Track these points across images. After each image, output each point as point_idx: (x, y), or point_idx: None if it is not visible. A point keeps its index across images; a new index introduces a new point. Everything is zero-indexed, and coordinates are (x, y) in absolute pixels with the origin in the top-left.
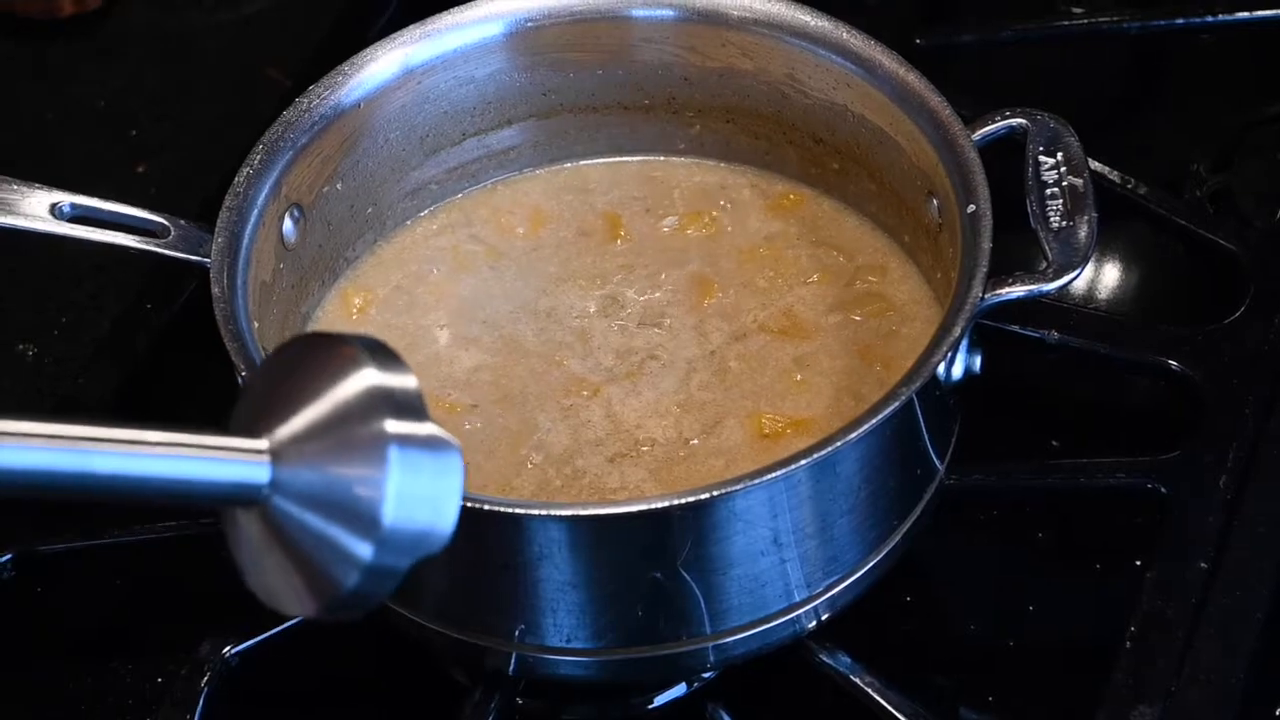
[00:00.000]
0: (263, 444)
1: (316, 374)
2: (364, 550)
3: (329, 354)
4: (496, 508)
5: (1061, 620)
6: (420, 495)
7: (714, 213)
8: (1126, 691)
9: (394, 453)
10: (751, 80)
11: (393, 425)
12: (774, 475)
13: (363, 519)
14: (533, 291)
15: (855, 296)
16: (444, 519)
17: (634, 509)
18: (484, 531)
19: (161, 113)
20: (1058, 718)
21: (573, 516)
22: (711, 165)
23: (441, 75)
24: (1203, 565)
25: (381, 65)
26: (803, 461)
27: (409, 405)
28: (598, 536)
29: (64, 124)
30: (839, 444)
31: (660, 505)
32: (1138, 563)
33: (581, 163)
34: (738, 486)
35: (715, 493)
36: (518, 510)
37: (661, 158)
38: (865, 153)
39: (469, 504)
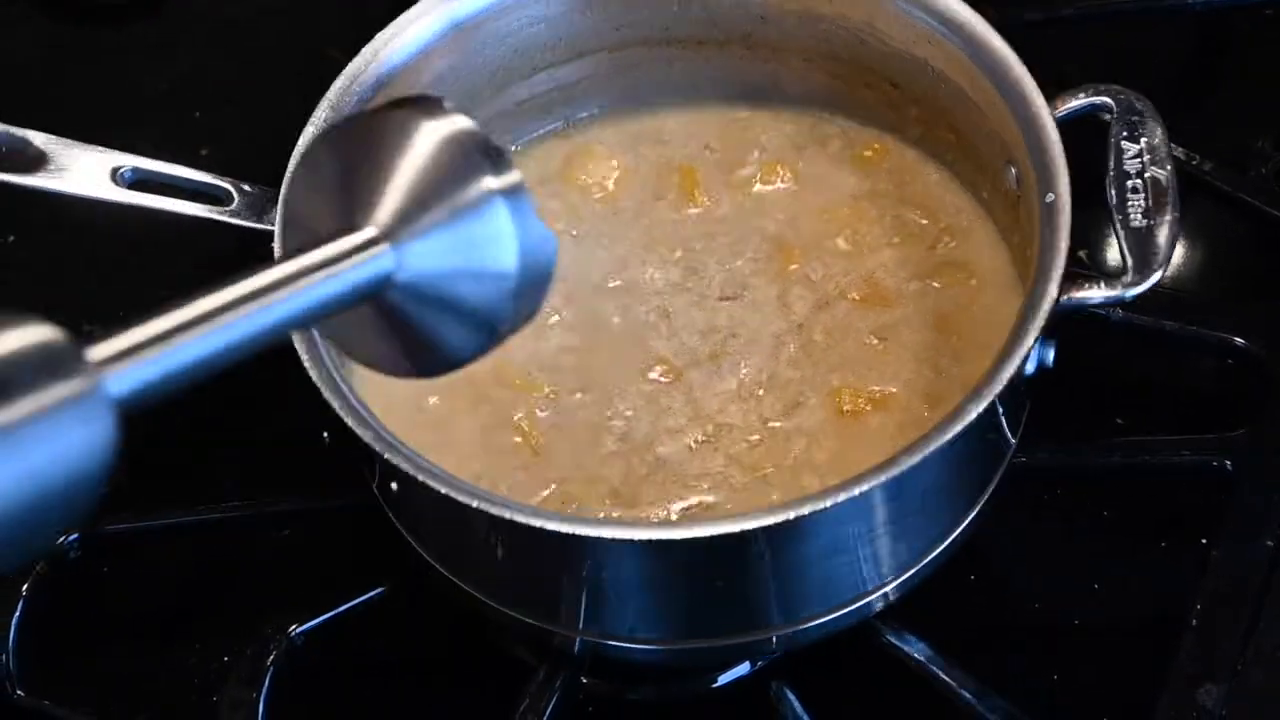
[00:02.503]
0: (371, 232)
1: (380, 147)
2: (501, 306)
3: (383, 125)
4: (559, 527)
5: (1126, 598)
6: (532, 238)
7: (794, 168)
8: (1192, 670)
9: (501, 204)
10: (829, 25)
11: (492, 180)
12: (843, 498)
13: (491, 275)
14: (612, 262)
15: (935, 264)
16: (549, 256)
17: (696, 534)
18: (549, 548)
19: (224, 95)
20: (1121, 696)
21: (636, 541)
22: (790, 115)
23: (513, 14)
24: (1269, 543)
25: (438, 16)
26: (876, 481)
27: (491, 150)
28: (662, 557)
29: (127, 108)
30: (909, 464)
31: (724, 530)
32: (1203, 541)
33: (656, 110)
34: (806, 510)
35: (791, 515)
36: (580, 531)
37: (738, 108)
38: (944, 106)
39: (535, 523)
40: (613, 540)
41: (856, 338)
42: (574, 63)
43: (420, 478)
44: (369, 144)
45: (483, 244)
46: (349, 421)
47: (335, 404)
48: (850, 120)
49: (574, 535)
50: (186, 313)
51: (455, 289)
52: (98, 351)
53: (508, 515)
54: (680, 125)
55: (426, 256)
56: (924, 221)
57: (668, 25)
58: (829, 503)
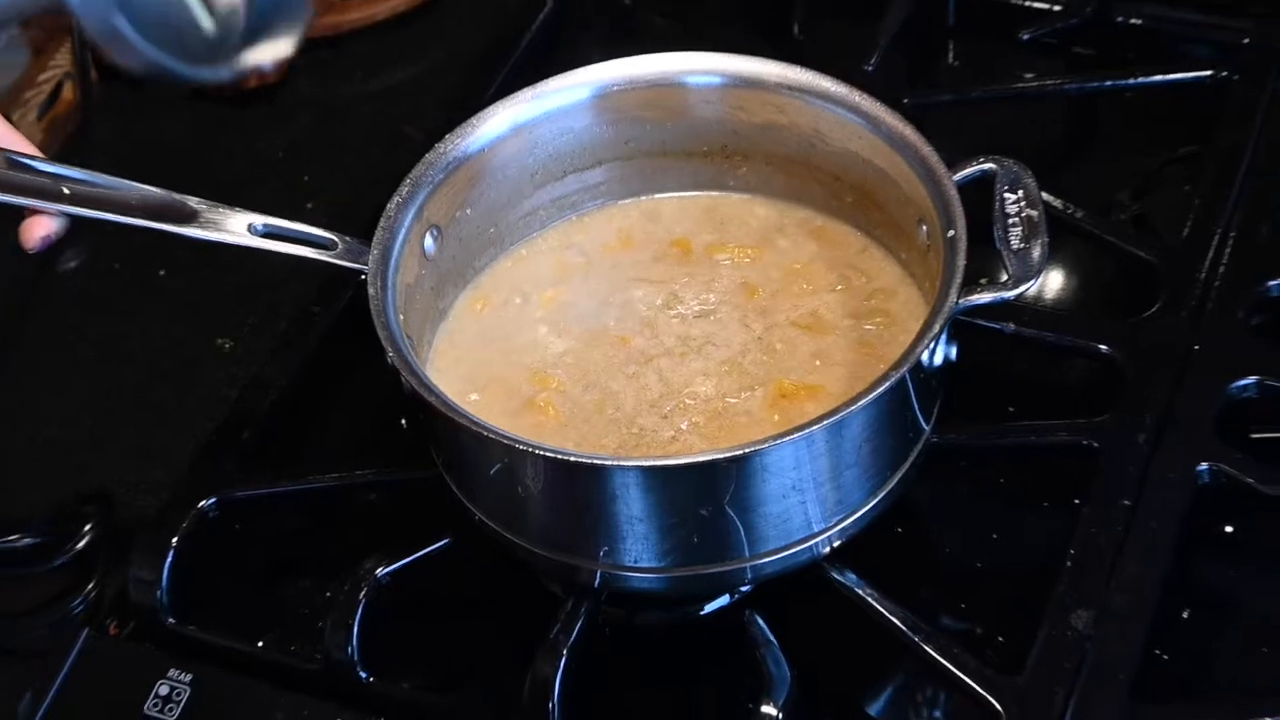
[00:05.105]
0: None
1: None
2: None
3: None
4: (582, 460)
5: (1018, 546)
6: None
7: (763, 244)
8: (1068, 600)
9: None
10: (785, 132)
11: None
12: (796, 436)
13: None
14: (613, 291)
15: (868, 310)
16: None
17: (686, 461)
18: (574, 479)
19: (325, 162)
20: (1015, 620)
21: (640, 467)
22: (761, 200)
23: (547, 127)
24: (1125, 503)
25: (501, 119)
26: (818, 425)
27: None
28: (659, 482)
29: (251, 172)
30: (846, 412)
31: (707, 459)
32: (1076, 501)
33: (656, 196)
34: (768, 444)
35: (750, 449)
36: (597, 462)
37: (719, 193)
38: (872, 189)
39: (566, 458)
40: (618, 467)
41: (801, 352)
42: (594, 169)
43: (474, 426)
44: None
45: None
46: (423, 394)
47: (412, 382)
48: (806, 208)
49: (591, 465)
50: None
51: None
52: None
53: (544, 454)
54: (675, 209)
55: None
56: (861, 281)
57: (664, 140)
58: (782, 440)
